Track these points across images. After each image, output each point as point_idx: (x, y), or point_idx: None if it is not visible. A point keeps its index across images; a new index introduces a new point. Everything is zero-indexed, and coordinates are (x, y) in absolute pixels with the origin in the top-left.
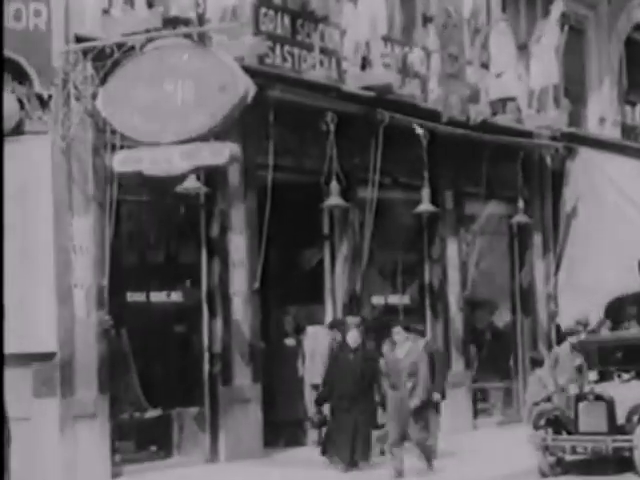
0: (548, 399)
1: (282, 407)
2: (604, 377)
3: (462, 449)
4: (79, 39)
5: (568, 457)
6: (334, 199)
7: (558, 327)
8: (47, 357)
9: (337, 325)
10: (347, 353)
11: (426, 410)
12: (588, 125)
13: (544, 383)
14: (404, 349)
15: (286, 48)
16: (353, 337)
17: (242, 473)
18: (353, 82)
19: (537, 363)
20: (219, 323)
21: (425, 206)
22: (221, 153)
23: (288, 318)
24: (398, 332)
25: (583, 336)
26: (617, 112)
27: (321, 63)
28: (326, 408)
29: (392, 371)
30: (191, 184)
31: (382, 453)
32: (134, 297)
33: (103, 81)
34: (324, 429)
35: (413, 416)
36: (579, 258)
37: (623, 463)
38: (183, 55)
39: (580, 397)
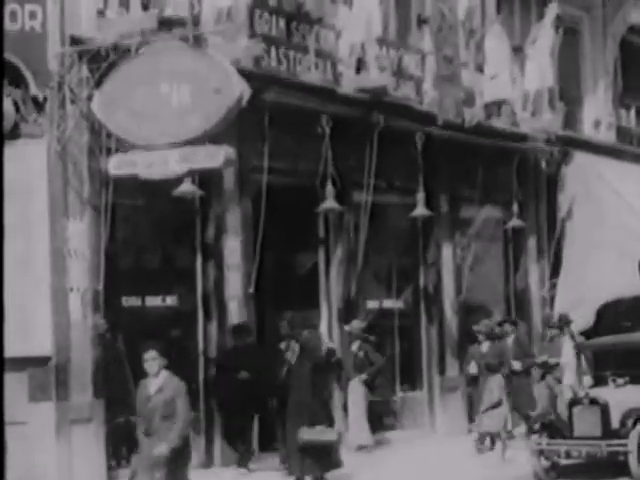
0: (494, 406)
1: (277, 412)
2: (599, 381)
3: (457, 453)
4: (74, 41)
5: (563, 461)
6: (329, 202)
7: None
8: (42, 361)
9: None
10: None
11: (182, 462)
12: (583, 128)
13: (490, 389)
14: (157, 382)
15: (281, 50)
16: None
17: (237, 478)
18: (348, 84)
19: (493, 369)
20: (214, 327)
21: (420, 210)
22: (216, 156)
23: (283, 322)
24: (153, 358)
25: None
26: (612, 115)
27: (316, 65)
28: None
29: (143, 412)
30: (186, 187)
31: None
32: (129, 301)
33: (98, 83)
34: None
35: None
36: (575, 262)
37: (618, 467)
38: (178, 57)
39: (575, 401)
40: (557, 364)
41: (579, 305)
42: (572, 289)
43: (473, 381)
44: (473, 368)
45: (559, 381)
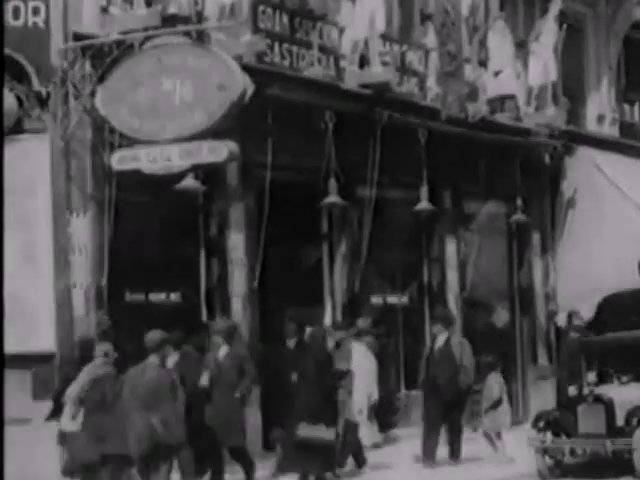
0: (494, 406)
1: (281, 409)
2: (603, 379)
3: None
4: (78, 37)
5: (567, 460)
6: (333, 198)
7: (557, 326)
8: (46, 358)
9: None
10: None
11: None
12: (586, 123)
13: (491, 387)
14: None
15: (285, 46)
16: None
17: (240, 476)
18: (351, 80)
19: (491, 367)
20: None
21: (424, 205)
22: (219, 151)
23: (287, 318)
24: None
25: None
26: (615, 110)
27: (319, 61)
28: None
29: None
30: (190, 183)
31: None
32: (133, 297)
33: (102, 79)
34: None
35: None
36: (577, 256)
37: (622, 466)
38: (181, 53)
39: (579, 399)
40: (348, 372)
41: (580, 298)
42: (573, 282)
43: (206, 396)
44: (204, 379)
45: (350, 393)
